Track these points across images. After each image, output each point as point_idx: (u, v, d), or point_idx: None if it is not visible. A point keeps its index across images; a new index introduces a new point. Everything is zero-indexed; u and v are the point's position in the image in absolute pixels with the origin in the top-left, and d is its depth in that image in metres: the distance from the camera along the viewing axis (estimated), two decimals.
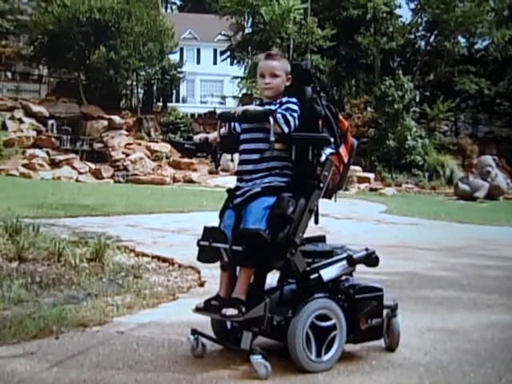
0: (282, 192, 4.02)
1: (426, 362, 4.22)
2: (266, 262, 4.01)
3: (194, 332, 4.20)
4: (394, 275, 7.68)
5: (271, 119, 3.93)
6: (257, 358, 3.76)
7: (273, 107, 4.09)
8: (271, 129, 3.93)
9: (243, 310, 3.91)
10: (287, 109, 4.07)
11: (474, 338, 4.90)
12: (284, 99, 4.17)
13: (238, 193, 4.12)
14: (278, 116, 3.98)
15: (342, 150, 4.17)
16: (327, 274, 4.10)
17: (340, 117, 4.24)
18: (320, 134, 4.08)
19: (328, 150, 4.06)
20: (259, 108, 4.16)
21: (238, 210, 4.05)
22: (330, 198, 4.27)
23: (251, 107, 4.16)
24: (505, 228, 15.69)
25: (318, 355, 3.94)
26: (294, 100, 4.14)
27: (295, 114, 4.06)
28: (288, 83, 4.25)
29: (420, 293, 6.76)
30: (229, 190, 4.21)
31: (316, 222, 4.20)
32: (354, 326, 4.11)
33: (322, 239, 4.53)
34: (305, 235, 4.15)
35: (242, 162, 4.22)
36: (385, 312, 4.35)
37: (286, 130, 3.99)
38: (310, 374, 3.87)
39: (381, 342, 4.42)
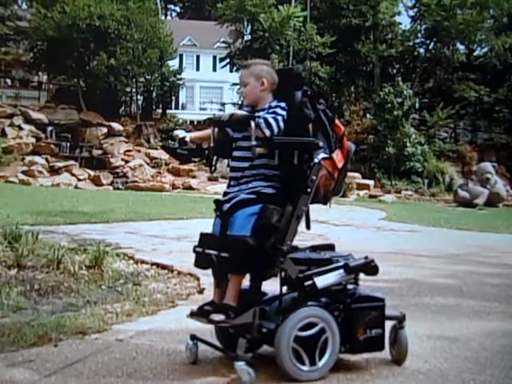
0: (269, 199, 4.03)
1: (426, 370, 4.21)
2: (251, 268, 4.04)
3: (194, 338, 4.21)
4: (393, 282, 7.67)
5: (252, 123, 3.94)
6: (240, 365, 3.76)
7: (261, 113, 4.11)
8: (252, 133, 3.94)
9: (232, 315, 3.94)
10: (272, 112, 4.09)
11: (474, 345, 4.89)
12: (273, 103, 4.19)
13: (226, 198, 4.16)
14: (260, 120, 3.99)
15: (336, 155, 4.13)
16: (322, 281, 4.05)
17: (336, 121, 4.22)
18: (308, 138, 4.05)
19: (321, 155, 4.04)
20: (244, 113, 4.17)
21: (226, 217, 4.06)
22: (325, 203, 4.25)
23: (239, 112, 4.18)
24: (504, 235, 15.68)
25: (306, 364, 3.89)
26: (282, 104, 4.15)
27: (279, 118, 4.06)
28: (262, 87, 4.25)
29: (419, 300, 6.75)
30: (216, 201, 4.23)
31: (308, 227, 4.17)
32: (351, 335, 4.05)
33: (330, 248, 4.46)
34: (314, 243, 4.16)
35: (231, 169, 4.26)
36: (392, 323, 4.31)
37: (268, 133, 4.00)
38: (309, 383, 3.87)
39: (386, 355, 4.33)
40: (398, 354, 4.30)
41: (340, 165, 4.14)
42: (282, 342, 3.83)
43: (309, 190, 4.00)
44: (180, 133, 4.50)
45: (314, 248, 4.34)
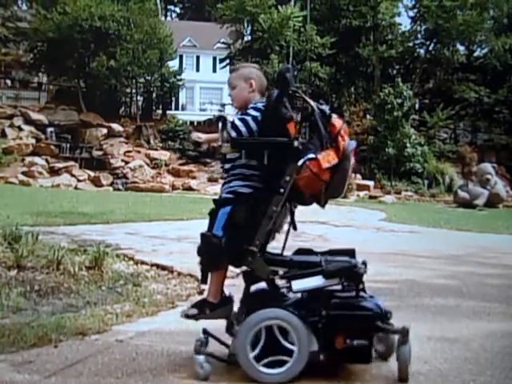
0: (245, 198, 4.09)
1: (426, 371, 4.21)
2: (216, 265, 4.13)
3: (205, 332, 4.25)
4: (393, 283, 7.67)
5: (220, 124, 4.03)
6: (198, 358, 3.95)
7: None
8: (219, 133, 4.03)
9: (207, 311, 4.13)
10: (245, 113, 4.15)
11: (474, 346, 4.89)
12: (251, 105, 4.24)
13: (217, 197, 4.31)
14: (227, 122, 4.06)
15: (323, 156, 3.95)
16: (299, 284, 4.01)
17: (332, 120, 4.08)
18: (282, 138, 3.96)
19: (309, 155, 3.95)
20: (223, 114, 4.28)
21: (212, 216, 4.20)
22: (321, 205, 4.15)
23: (224, 114, 4.30)
24: (504, 236, 15.67)
25: (269, 366, 3.89)
26: (258, 105, 4.19)
27: (249, 118, 4.10)
28: (251, 89, 4.31)
29: (419, 301, 6.75)
30: (214, 200, 4.32)
31: (294, 228, 4.20)
32: (329, 343, 3.90)
33: (349, 253, 4.26)
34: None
35: (223, 171, 4.38)
36: (396, 338, 4.04)
37: (233, 134, 4.05)
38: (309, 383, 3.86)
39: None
40: (399, 371, 3.97)
41: (327, 165, 3.94)
42: (239, 340, 3.91)
43: (281, 190, 3.97)
44: (195, 135, 4.69)
45: (331, 252, 4.23)
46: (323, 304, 3.95)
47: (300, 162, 3.94)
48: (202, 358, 3.96)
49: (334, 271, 4.01)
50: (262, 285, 4.19)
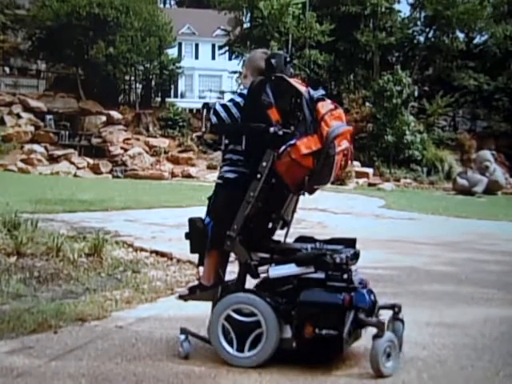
0: (231, 183, 4.16)
1: (425, 356, 4.23)
2: (200, 249, 4.23)
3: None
4: (392, 270, 7.70)
5: (204, 111, 4.13)
6: (180, 338, 4.09)
7: None
8: (203, 119, 4.16)
9: (197, 292, 4.27)
10: (230, 100, 4.23)
11: (472, 332, 4.91)
12: (238, 91, 4.36)
13: None
14: (211, 108, 4.14)
15: (303, 141, 3.84)
16: (275, 270, 4.00)
17: (318, 105, 3.94)
18: (263, 123, 3.92)
19: (291, 141, 3.87)
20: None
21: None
22: (306, 191, 4.09)
23: (210, 102, 4.36)
24: (503, 223, 15.69)
25: (240, 350, 3.93)
26: (242, 91, 4.26)
27: (230, 104, 4.15)
28: (243, 74, 4.41)
29: (418, 287, 6.77)
30: None
31: (283, 219, 4.27)
32: (297, 332, 3.85)
33: (350, 242, 4.23)
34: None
35: None
36: (374, 330, 3.92)
37: (214, 120, 4.12)
38: (307, 367, 3.88)
39: None
40: (370, 364, 3.84)
41: (306, 151, 3.82)
42: (211, 325, 4.00)
43: (258, 176, 3.95)
44: None
45: (332, 241, 4.21)
46: (298, 292, 3.92)
47: (282, 148, 3.88)
48: (183, 336, 4.08)
49: (305, 259, 3.96)
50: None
